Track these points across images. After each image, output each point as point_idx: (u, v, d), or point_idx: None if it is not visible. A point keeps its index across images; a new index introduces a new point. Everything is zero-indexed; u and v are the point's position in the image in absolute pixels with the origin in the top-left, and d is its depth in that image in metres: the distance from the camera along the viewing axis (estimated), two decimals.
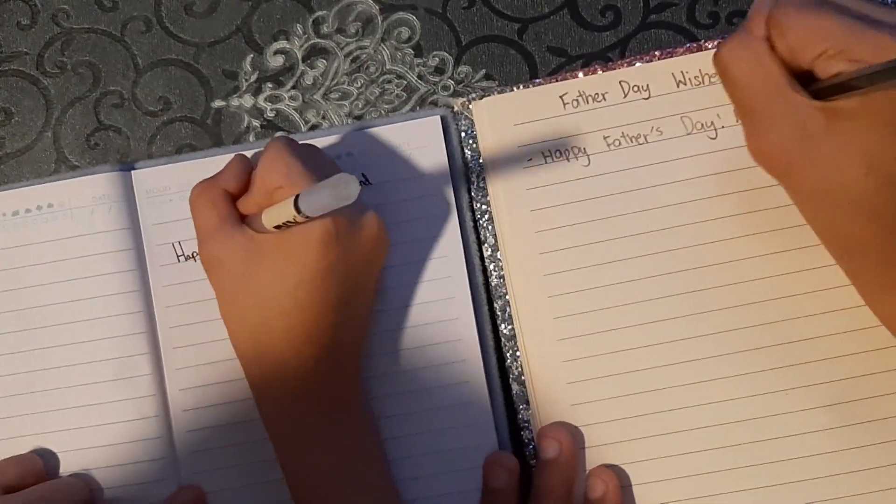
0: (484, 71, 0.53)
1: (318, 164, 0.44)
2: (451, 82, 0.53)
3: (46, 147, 0.54)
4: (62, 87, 0.54)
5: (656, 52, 0.50)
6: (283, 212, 0.40)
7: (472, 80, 0.53)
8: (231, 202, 0.45)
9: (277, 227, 0.41)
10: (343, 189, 0.37)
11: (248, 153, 0.49)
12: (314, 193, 0.37)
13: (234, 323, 0.45)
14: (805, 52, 0.39)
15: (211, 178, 0.47)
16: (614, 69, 0.50)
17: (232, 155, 0.50)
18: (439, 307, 0.49)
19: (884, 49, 0.36)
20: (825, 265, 0.47)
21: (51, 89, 0.54)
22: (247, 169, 0.46)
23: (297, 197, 0.38)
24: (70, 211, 0.50)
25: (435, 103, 0.53)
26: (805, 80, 0.39)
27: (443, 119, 0.51)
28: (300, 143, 0.45)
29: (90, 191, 0.50)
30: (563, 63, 0.52)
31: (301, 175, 0.42)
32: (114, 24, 0.54)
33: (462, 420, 0.49)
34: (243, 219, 0.45)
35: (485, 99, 0.50)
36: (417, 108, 0.53)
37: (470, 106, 0.51)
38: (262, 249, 0.43)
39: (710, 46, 0.50)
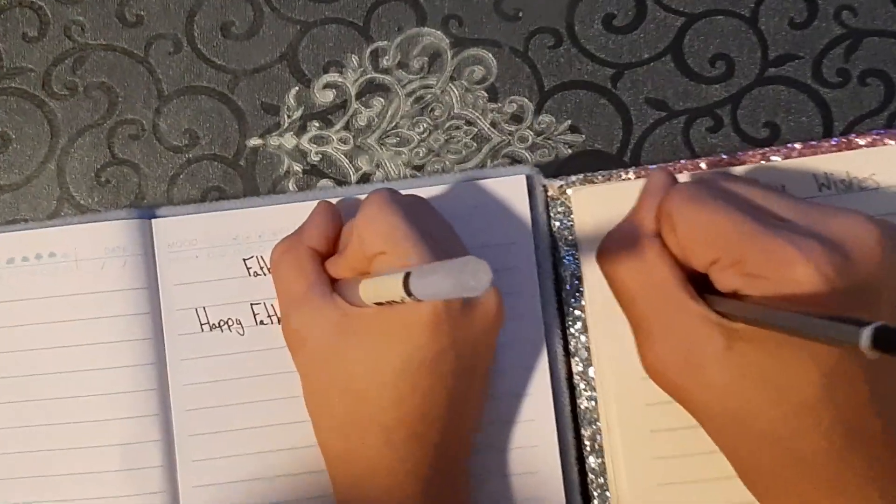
0: (569, 122, 0.45)
1: (429, 225, 0.38)
2: (529, 133, 0.45)
3: (48, 181, 0.47)
4: (71, 112, 0.47)
5: (797, 145, 0.43)
6: (387, 289, 0.32)
7: (555, 132, 0.45)
8: (319, 264, 0.39)
9: (378, 303, 0.34)
10: (469, 279, 0.28)
11: (332, 200, 0.42)
12: (431, 277, 0.29)
13: (320, 413, 0.39)
14: (697, 257, 0.35)
15: (294, 233, 0.41)
16: (745, 162, 0.43)
17: (273, 206, 0.44)
18: (511, 400, 0.42)
19: (778, 262, 0.32)
20: None
21: (57, 114, 0.47)
22: (335, 220, 0.40)
23: (406, 275, 0.30)
24: (76, 263, 0.44)
25: (510, 157, 0.45)
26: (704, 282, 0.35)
27: (528, 179, 0.43)
28: (405, 193, 0.39)
29: (102, 240, 0.44)
30: (663, 118, 0.45)
31: (408, 240, 0.35)
32: (136, 42, 0.47)
33: None
34: (333, 284, 0.38)
35: (586, 187, 0.43)
36: (489, 161, 0.45)
37: (568, 192, 0.43)
38: (356, 328, 0.36)
39: (861, 143, 0.43)
